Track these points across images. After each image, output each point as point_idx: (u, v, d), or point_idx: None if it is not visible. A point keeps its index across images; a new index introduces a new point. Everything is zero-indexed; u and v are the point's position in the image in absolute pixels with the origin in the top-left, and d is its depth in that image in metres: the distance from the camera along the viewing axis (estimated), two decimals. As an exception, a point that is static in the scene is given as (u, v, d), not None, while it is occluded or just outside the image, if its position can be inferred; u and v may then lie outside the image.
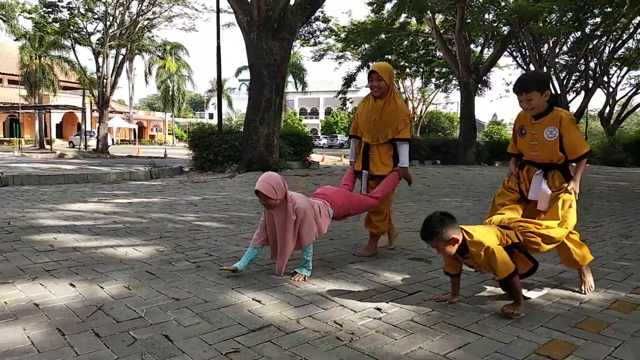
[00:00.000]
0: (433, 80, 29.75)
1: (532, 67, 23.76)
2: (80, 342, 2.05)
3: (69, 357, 1.92)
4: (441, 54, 22.59)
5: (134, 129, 48.59)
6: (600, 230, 4.96)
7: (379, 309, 2.53)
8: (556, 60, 24.46)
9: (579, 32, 22.55)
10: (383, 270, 3.31)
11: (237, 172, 11.27)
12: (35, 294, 2.65)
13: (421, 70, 27.92)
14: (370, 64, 22.13)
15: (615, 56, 24.75)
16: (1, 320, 2.26)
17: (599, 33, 22.57)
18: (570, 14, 20.76)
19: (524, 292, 2.74)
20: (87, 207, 5.85)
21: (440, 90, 32.79)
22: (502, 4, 17.95)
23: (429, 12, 18.48)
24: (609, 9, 19.40)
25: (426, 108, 37.91)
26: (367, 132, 3.76)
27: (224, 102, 48.99)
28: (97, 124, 25.31)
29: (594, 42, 23.56)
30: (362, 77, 25.53)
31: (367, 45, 24.12)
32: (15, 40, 27.62)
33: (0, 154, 20.40)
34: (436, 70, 27.62)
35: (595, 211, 6.38)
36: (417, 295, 2.79)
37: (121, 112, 47.67)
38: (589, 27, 22.13)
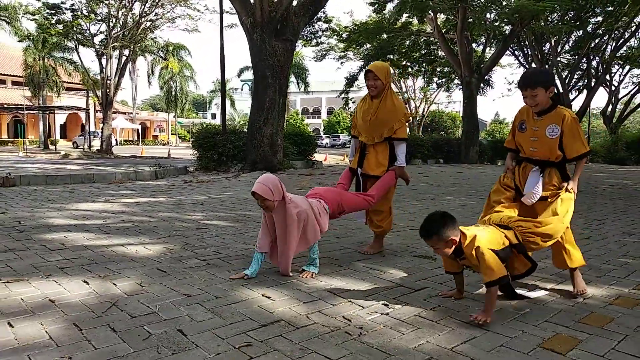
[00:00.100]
0: (435, 79, 29.78)
1: (534, 66, 23.77)
2: (97, 337, 2.11)
3: (87, 351, 1.98)
4: (443, 54, 22.62)
5: (137, 130, 48.77)
6: (603, 228, 5.00)
7: (386, 305, 2.59)
8: (558, 59, 24.47)
9: (581, 31, 22.56)
10: (389, 267, 3.37)
11: (242, 172, 11.34)
12: (50, 291, 2.71)
13: (423, 69, 27.95)
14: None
15: (617, 55, 24.76)
16: (19, 316, 2.33)
17: (600, 32, 22.59)
18: (572, 12, 20.78)
19: (524, 293, 2.78)
20: (95, 207, 5.92)
21: (443, 89, 32.81)
22: (504, 3, 17.98)
23: (430, 11, 18.52)
24: (610, 8, 19.40)
25: (428, 107, 37.92)
26: (363, 131, 3.79)
27: (227, 103, 49.05)
28: (101, 125, 25.46)
29: (596, 41, 23.57)
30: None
31: (369, 45, 24.20)
32: (19, 41, 27.78)
33: (5, 155, 20.53)
34: (438, 69, 27.65)
35: (598, 209, 6.42)
36: (423, 291, 2.85)
37: (124, 113, 47.84)
38: (590, 25, 22.15)
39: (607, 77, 27.33)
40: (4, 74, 38.77)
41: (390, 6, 20.86)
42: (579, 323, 2.37)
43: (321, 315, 2.43)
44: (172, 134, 53.44)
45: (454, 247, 2.45)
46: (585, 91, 25.89)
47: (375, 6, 20.72)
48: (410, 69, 28.09)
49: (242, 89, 65.72)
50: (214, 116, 64.95)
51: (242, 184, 9.22)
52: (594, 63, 25.95)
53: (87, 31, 24.07)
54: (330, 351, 2.02)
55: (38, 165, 12.98)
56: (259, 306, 2.53)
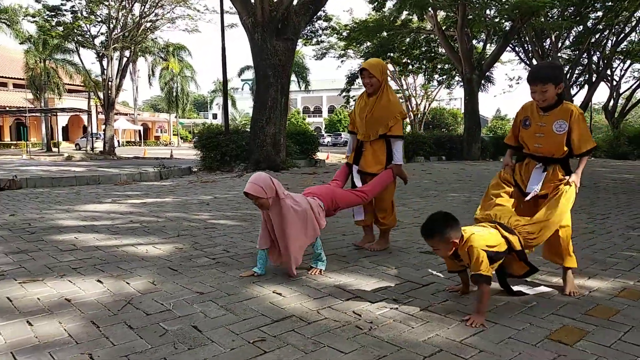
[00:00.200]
0: (436, 76, 29.75)
1: (534, 62, 23.78)
2: (115, 334, 2.16)
3: (107, 347, 2.03)
4: (443, 51, 22.61)
5: (139, 131, 48.88)
6: (607, 222, 5.04)
7: (395, 300, 2.64)
8: (559, 54, 24.45)
9: (581, 26, 22.55)
10: (396, 263, 3.41)
11: (245, 172, 11.39)
12: (65, 290, 2.77)
13: (424, 67, 27.94)
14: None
15: (618, 49, 24.75)
16: (37, 315, 2.38)
17: (601, 27, 22.57)
18: (572, 8, 20.78)
19: (522, 289, 2.77)
20: (102, 208, 5.98)
21: (444, 86, 32.81)
22: (503, 0, 17.98)
23: (430, 9, 18.53)
24: (610, 3, 19.40)
25: (429, 104, 37.92)
26: (360, 128, 3.80)
27: (228, 102, 49.08)
28: (103, 126, 25.53)
29: (597, 36, 23.57)
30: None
31: (369, 43, 24.21)
32: (20, 44, 27.85)
33: (9, 158, 20.62)
34: (439, 66, 27.63)
35: (602, 204, 6.45)
36: (431, 286, 2.89)
37: (126, 114, 47.94)
38: (591, 21, 22.13)
39: (608, 72, 27.31)
40: (6, 77, 38.87)
41: (390, 4, 20.90)
42: (585, 315, 2.42)
43: (332, 310, 2.48)
44: (173, 135, 53.51)
45: (454, 249, 2.44)
46: (586, 86, 25.90)
47: (375, 4, 20.73)
48: (410, 67, 28.06)
49: (242, 89, 65.77)
50: (215, 116, 65.02)
51: (246, 183, 9.26)
52: (595, 58, 25.95)
53: (88, 33, 24.16)
54: (342, 345, 2.07)
55: (42, 168, 13.06)
56: (270, 302, 2.58)
